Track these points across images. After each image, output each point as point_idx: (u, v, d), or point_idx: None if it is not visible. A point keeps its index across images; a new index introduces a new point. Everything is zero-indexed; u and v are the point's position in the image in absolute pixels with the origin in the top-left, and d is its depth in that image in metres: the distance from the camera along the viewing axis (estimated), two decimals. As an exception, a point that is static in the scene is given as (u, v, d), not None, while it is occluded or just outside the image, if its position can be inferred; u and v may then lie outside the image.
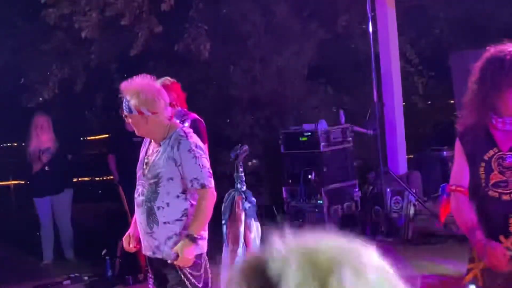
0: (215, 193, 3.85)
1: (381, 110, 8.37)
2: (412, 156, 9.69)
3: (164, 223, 3.80)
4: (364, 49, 8.83)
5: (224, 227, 3.77)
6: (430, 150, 9.71)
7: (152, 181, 3.88)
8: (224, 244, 3.83)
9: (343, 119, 8.55)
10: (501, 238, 3.21)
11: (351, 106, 9.71)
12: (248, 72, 9.49)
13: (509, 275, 3.20)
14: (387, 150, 8.87)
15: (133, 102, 3.86)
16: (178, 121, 4.90)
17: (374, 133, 8.14)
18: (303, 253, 0.85)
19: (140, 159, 4.16)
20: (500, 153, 3.25)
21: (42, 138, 7.86)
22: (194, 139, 3.88)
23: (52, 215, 8.03)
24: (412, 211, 7.84)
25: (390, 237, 7.62)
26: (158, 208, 3.85)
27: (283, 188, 8.40)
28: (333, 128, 8.39)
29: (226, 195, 3.82)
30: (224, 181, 8.38)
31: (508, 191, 3.23)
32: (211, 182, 3.84)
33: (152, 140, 4.02)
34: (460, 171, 3.39)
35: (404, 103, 9.36)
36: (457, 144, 3.43)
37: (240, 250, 3.56)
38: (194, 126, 5.10)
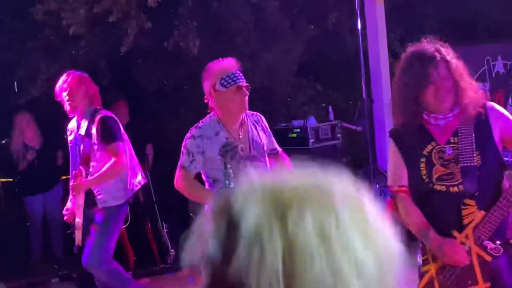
0: None
1: (370, 107, 8.38)
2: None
3: None
4: (353, 46, 8.84)
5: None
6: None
7: (255, 158, 4.05)
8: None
9: (332, 116, 8.56)
10: (455, 233, 3.22)
11: (340, 103, 9.73)
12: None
13: (464, 269, 3.21)
14: (376, 146, 8.88)
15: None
16: (88, 119, 5.01)
17: (363, 129, 8.15)
18: (265, 190, 0.86)
19: (221, 145, 4.16)
20: (438, 146, 3.28)
21: (26, 136, 7.84)
22: None
23: (42, 213, 8.01)
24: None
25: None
26: None
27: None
28: (322, 124, 8.39)
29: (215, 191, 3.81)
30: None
31: (456, 183, 3.24)
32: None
33: (224, 123, 4.11)
34: (397, 170, 3.40)
35: (393, 100, 9.37)
36: (391, 144, 3.44)
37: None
38: (104, 123, 5.09)
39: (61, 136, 6.40)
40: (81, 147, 5.12)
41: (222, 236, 0.87)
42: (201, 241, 0.91)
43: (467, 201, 3.22)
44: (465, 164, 3.21)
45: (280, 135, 8.66)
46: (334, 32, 9.95)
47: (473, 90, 3.32)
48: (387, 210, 3.37)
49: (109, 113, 5.30)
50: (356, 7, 7.94)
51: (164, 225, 7.52)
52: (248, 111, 4.23)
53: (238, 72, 4.07)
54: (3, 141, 8.95)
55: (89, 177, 5.04)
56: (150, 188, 7.75)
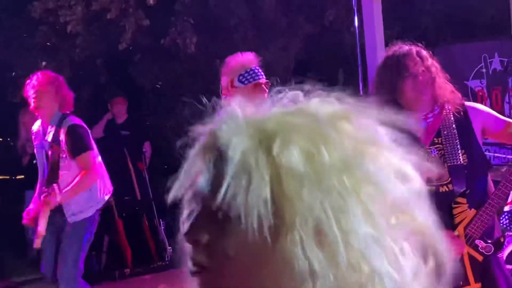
0: None
1: (367, 104, 8.39)
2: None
3: None
4: (350, 43, 8.84)
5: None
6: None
7: None
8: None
9: (329, 113, 8.57)
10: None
11: (338, 100, 9.72)
12: (235, 66, 9.48)
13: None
14: (373, 143, 8.90)
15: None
16: (55, 124, 4.86)
17: (360, 127, 8.16)
18: (251, 123, 0.87)
19: None
20: (423, 149, 3.23)
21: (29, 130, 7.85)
22: None
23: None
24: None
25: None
26: None
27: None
28: (320, 122, 8.40)
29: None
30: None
31: (445, 182, 3.22)
32: None
33: None
34: None
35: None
36: None
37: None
38: (73, 131, 4.91)
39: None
40: (49, 153, 4.92)
41: (211, 170, 0.88)
42: (189, 177, 0.92)
43: (459, 199, 3.21)
44: (452, 163, 3.20)
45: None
46: (331, 29, 9.95)
47: (450, 90, 3.30)
48: None
49: (79, 121, 5.06)
50: (353, 4, 7.93)
51: (161, 222, 7.53)
52: None
53: (257, 68, 3.93)
54: (1, 139, 8.94)
55: (58, 186, 4.82)
56: (147, 185, 7.75)
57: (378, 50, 8.96)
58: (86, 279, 7.17)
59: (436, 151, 3.24)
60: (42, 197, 4.77)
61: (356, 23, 8.08)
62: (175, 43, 8.74)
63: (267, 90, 3.96)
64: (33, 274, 7.37)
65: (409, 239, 0.87)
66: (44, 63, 8.80)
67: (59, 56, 9.07)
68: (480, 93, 8.69)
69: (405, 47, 3.36)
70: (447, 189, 3.21)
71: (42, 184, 5.00)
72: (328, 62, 10.12)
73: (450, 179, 3.20)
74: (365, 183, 0.84)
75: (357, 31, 8.08)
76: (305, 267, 0.81)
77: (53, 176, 4.88)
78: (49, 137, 4.94)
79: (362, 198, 0.83)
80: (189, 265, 0.93)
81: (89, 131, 5.09)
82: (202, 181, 0.89)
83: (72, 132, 4.89)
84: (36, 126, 5.11)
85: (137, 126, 8.38)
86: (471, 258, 3.17)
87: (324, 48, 9.96)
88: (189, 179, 0.93)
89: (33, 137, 5.16)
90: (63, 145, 4.89)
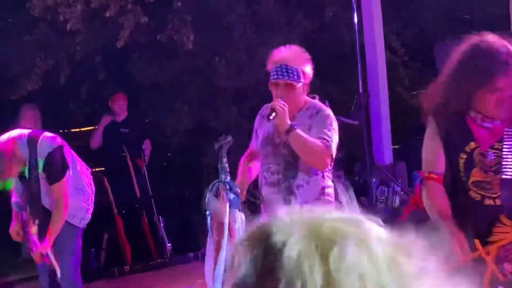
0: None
1: (366, 101, 8.37)
2: (397, 146, 9.72)
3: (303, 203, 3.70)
4: (350, 39, 8.83)
5: (209, 218, 3.76)
6: (415, 141, 9.72)
7: (290, 157, 3.83)
8: (208, 235, 3.82)
9: (328, 110, 8.55)
10: (477, 243, 2.94)
11: (337, 97, 9.72)
12: (233, 63, 9.47)
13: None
14: (373, 140, 8.88)
15: (301, 69, 3.86)
16: (26, 148, 4.62)
17: (359, 123, 8.15)
18: (307, 224, 0.87)
19: (263, 136, 4.02)
20: (479, 149, 2.99)
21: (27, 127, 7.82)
22: (332, 114, 3.94)
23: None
24: (397, 201, 7.87)
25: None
26: (298, 187, 3.81)
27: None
28: (319, 118, 8.39)
29: (210, 186, 3.80)
30: (209, 172, 8.38)
31: (493, 195, 2.96)
32: (332, 149, 3.82)
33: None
34: (434, 155, 3.10)
35: (389, 94, 9.38)
36: (432, 123, 3.14)
37: (224, 241, 3.56)
38: (50, 159, 4.70)
39: (56, 129, 6.41)
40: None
41: (259, 261, 0.87)
42: (233, 267, 0.91)
43: (503, 219, 2.94)
44: (507, 176, 2.90)
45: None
46: (330, 26, 9.94)
47: None
48: (416, 196, 3.17)
49: (52, 140, 4.81)
50: (352, 1, 7.93)
51: (160, 219, 7.52)
52: (312, 105, 3.98)
53: (285, 65, 3.82)
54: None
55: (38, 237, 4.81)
56: (147, 182, 7.75)
57: (377, 47, 8.96)
58: (85, 276, 7.16)
59: (494, 156, 2.96)
60: (33, 252, 4.78)
61: (355, 20, 8.07)
62: (172, 39, 8.73)
63: (284, 91, 3.86)
64: (28, 273, 7.33)
65: None
66: (39, 60, 8.78)
67: (57, 53, 9.06)
68: (480, 90, 8.69)
69: (502, 51, 2.97)
70: (493, 203, 2.95)
71: (22, 204, 4.94)
72: (327, 59, 10.11)
73: (499, 193, 2.93)
74: None
75: (356, 28, 8.07)
76: None
77: (34, 201, 4.83)
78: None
79: None
80: None
81: (63, 146, 4.83)
82: (245, 275, 0.87)
83: (50, 161, 4.71)
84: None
85: (137, 124, 8.37)
86: (492, 277, 2.91)
87: (323, 45, 9.94)
88: (232, 266, 0.91)
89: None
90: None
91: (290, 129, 3.75)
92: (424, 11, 10.55)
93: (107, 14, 8.28)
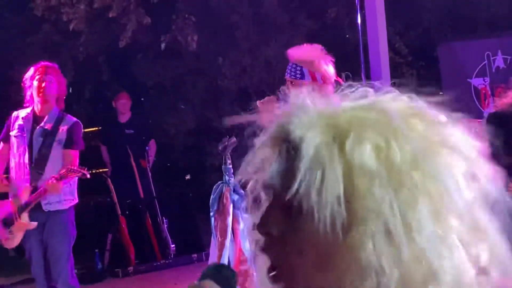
0: None
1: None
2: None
3: None
4: (353, 40, 8.83)
5: (212, 219, 3.77)
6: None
7: None
8: (212, 236, 3.83)
9: (332, 111, 8.55)
10: None
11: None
12: (236, 63, 9.48)
13: None
14: (376, 141, 8.89)
15: (309, 68, 3.83)
16: (53, 122, 4.85)
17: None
18: (323, 117, 0.89)
19: None
20: None
21: None
22: None
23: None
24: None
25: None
26: None
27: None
28: (322, 119, 8.39)
29: (215, 187, 3.81)
30: (213, 173, 8.38)
31: None
32: None
33: None
34: None
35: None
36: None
37: (227, 241, 3.56)
38: (74, 129, 4.95)
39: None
40: (39, 140, 4.95)
41: (283, 161, 0.90)
42: (256, 165, 0.94)
43: None
44: None
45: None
46: (333, 26, 9.94)
47: None
48: None
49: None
50: (356, 1, 7.93)
51: (164, 220, 7.53)
52: None
53: (292, 64, 3.87)
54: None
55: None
56: (150, 183, 7.75)
57: (380, 47, 8.95)
58: (90, 277, 7.18)
59: None
60: (50, 181, 4.72)
61: (359, 20, 8.07)
62: (175, 40, 8.74)
63: (290, 88, 3.88)
64: (17, 276, 7.27)
65: (473, 242, 0.87)
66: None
67: (61, 54, 9.07)
68: (483, 91, 8.68)
69: None
70: None
71: (21, 165, 4.95)
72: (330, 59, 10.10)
73: None
74: (434, 181, 0.86)
75: (359, 28, 8.07)
76: (373, 263, 0.84)
77: (42, 160, 4.88)
78: (46, 126, 4.93)
79: (431, 196, 0.85)
80: (262, 256, 0.93)
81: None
82: (273, 173, 0.90)
83: (76, 128, 4.97)
84: (24, 112, 5.06)
85: (141, 125, 8.38)
86: None
87: (326, 45, 9.93)
88: (256, 167, 0.94)
89: (13, 120, 5.08)
90: (62, 136, 4.91)
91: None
92: (427, 12, 10.54)
93: (110, 15, 8.29)
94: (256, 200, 0.94)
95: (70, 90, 9.28)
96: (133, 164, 7.63)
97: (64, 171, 4.74)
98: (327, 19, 9.74)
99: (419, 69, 10.74)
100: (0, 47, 8.80)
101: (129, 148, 7.77)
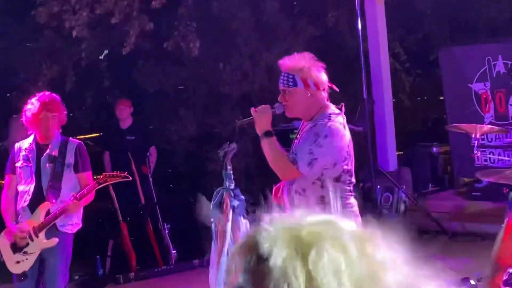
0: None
1: (371, 107, 8.39)
2: (402, 152, 9.72)
3: None
4: (354, 46, 8.84)
5: (213, 225, 3.78)
6: (419, 147, 9.75)
7: None
8: (213, 242, 3.84)
9: (333, 116, 8.54)
10: None
11: (341, 103, 9.72)
12: (238, 69, 9.50)
13: None
14: (377, 146, 8.89)
15: (300, 75, 3.86)
16: (57, 148, 5.01)
17: (364, 130, 8.16)
18: (287, 230, 1.01)
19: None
20: None
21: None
22: (336, 126, 3.85)
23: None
24: (402, 207, 7.87)
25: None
26: (296, 192, 3.85)
27: (274, 186, 8.40)
28: (323, 125, 8.39)
29: (215, 193, 3.82)
30: (214, 178, 8.38)
31: None
32: (301, 167, 3.81)
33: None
34: None
35: (393, 100, 9.39)
36: None
37: (226, 248, 3.57)
38: (80, 151, 5.10)
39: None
40: (47, 166, 5.08)
41: (252, 270, 1.01)
42: (229, 272, 1.06)
43: None
44: None
45: (281, 136, 8.67)
46: (334, 32, 9.96)
47: None
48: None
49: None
50: (356, 7, 7.95)
51: (165, 226, 7.54)
52: (322, 115, 3.93)
53: (284, 72, 3.92)
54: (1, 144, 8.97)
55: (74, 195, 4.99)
56: (152, 189, 7.76)
57: (381, 53, 8.97)
58: (91, 283, 7.19)
59: None
60: (70, 200, 4.88)
61: (359, 26, 8.09)
62: (178, 46, 8.76)
63: (286, 97, 3.91)
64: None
65: None
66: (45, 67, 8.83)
67: (63, 60, 9.10)
68: (484, 96, 8.69)
69: None
70: None
71: (28, 194, 5.04)
72: (331, 65, 10.11)
73: None
74: None
75: (360, 34, 8.09)
76: None
77: (56, 184, 5.01)
78: (52, 152, 5.07)
79: None
80: None
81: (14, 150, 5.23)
82: (243, 279, 1.02)
83: (81, 150, 5.14)
84: (27, 143, 5.16)
85: (142, 131, 8.39)
86: None
87: (327, 51, 9.96)
88: (229, 275, 1.06)
89: (16, 152, 5.16)
90: (70, 160, 5.06)
91: (262, 135, 3.83)
92: (427, 17, 10.56)
93: (112, 21, 8.32)
94: None
95: (72, 97, 9.32)
96: (135, 170, 7.64)
97: (103, 177, 5.08)
98: (328, 25, 9.76)
99: (419, 75, 10.76)
100: (2, 53, 8.83)
101: (131, 154, 7.78)
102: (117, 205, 7.45)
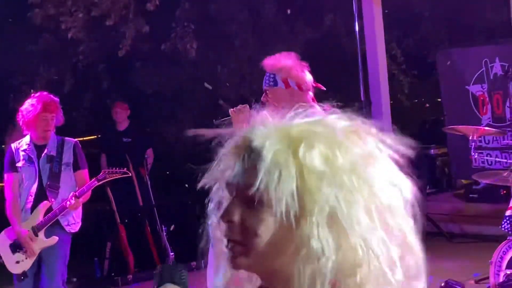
0: None
1: (368, 109, 8.40)
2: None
3: None
4: (351, 48, 8.85)
5: (211, 227, 3.78)
6: (417, 149, 9.74)
7: None
8: (210, 244, 3.84)
9: (330, 118, 8.56)
10: None
11: (339, 105, 9.73)
12: (235, 71, 9.50)
13: None
14: (375, 148, 8.89)
15: (281, 75, 3.85)
16: (55, 148, 5.05)
17: (361, 131, 8.16)
18: (279, 128, 1.09)
19: None
20: None
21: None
22: None
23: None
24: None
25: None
26: None
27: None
28: (321, 127, 8.40)
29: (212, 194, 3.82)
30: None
31: None
32: None
33: None
34: None
35: (391, 102, 9.40)
36: None
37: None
38: (77, 149, 5.13)
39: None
40: (46, 166, 5.11)
41: (245, 164, 1.08)
42: (220, 170, 1.13)
43: None
44: None
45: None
46: (332, 35, 9.97)
47: None
48: None
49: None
50: (354, 9, 7.96)
51: (163, 228, 7.53)
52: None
53: (267, 73, 3.94)
54: (2, 146, 8.96)
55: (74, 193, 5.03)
56: (149, 191, 7.76)
57: (379, 55, 8.97)
58: (89, 285, 7.18)
59: None
60: (72, 198, 4.91)
61: (357, 28, 8.10)
62: (175, 48, 8.76)
63: (269, 97, 3.92)
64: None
65: (393, 235, 1.07)
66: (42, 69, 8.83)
67: (60, 62, 9.10)
68: (481, 98, 8.70)
69: None
70: None
71: (30, 193, 5.07)
72: (329, 67, 10.13)
73: None
74: (368, 184, 1.06)
75: (357, 36, 8.10)
76: (317, 249, 1.03)
77: (54, 184, 5.04)
78: (50, 153, 5.09)
79: (364, 196, 1.05)
80: (224, 241, 1.11)
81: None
82: (235, 173, 1.09)
83: (78, 148, 5.17)
84: (24, 144, 5.16)
85: (139, 133, 8.39)
86: None
87: (324, 53, 9.97)
88: (220, 172, 1.13)
89: (15, 151, 5.17)
90: (68, 159, 5.09)
91: None
92: (424, 20, 10.57)
93: (108, 23, 8.31)
94: (219, 203, 1.13)
95: (69, 99, 9.32)
96: (132, 172, 7.64)
97: (102, 174, 5.12)
98: (325, 27, 9.77)
99: (416, 76, 10.77)
100: (0, 56, 8.83)
101: (128, 156, 7.77)
102: (115, 207, 7.44)
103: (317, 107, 3.94)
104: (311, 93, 3.98)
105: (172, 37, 8.74)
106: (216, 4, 9.30)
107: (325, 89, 4.09)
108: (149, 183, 7.75)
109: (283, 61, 3.91)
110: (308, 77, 3.96)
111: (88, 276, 7.26)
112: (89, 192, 5.05)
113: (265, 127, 1.10)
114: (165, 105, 10.02)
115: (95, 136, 8.85)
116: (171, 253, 7.44)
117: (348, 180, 1.04)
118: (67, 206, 4.88)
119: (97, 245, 7.46)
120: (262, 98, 4.00)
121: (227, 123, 4.00)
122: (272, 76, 3.90)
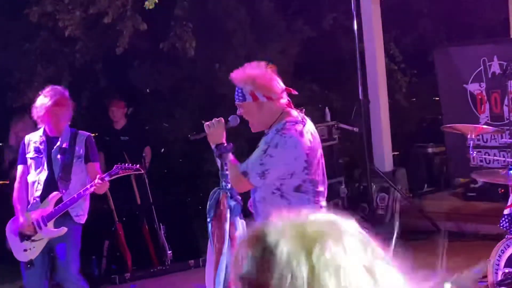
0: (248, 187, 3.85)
1: (366, 107, 8.40)
2: (397, 153, 9.73)
3: None
4: (350, 46, 8.85)
5: (209, 225, 3.77)
6: (415, 147, 9.76)
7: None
8: (209, 242, 3.84)
9: (328, 117, 8.56)
10: None
11: (337, 104, 9.73)
12: (233, 69, 9.48)
13: None
14: (373, 147, 8.90)
15: (248, 88, 3.81)
16: (68, 140, 5.21)
17: (359, 130, 8.17)
18: (294, 226, 1.11)
19: None
20: None
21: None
22: (289, 135, 3.75)
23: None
24: (398, 208, 7.88)
25: (377, 234, 7.65)
26: (258, 201, 3.83)
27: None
28: (319, 125, 8.40)
29: (211, 193, 3.81)
30: (210, 179, 8.38)
31: None
32: (252, 178, 3.77)
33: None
34: None
35: (389, 100, 9.40)
36: None
37: (225, 248, 3.57)
38: (89, 142, 5.32)
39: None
40: (58, 158, 5.26)
41: (258, 259, 1.10)
42: (236, 261, 1.15)
43: None
44: None
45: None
46: (330, 33, 9.97)
47: None
48: None
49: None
50: (352, 8, 7.96)
51: (161, 226, 7.53)
52: (280, 124, 3.85)
53: (236, 88, 3.95)
54: (1, 143, 8.94)
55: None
56: (147, 189, 7.75)
57: (377, 54, 8.98)
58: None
59: None
60: (98, 181, 5.09)
61: (355, 27, 8.10)
62: (174, 47, 8.74)
63: (242, 111, 3.90)
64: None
65: None
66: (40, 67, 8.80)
67: (58, 61, 9.07)
68: (480, 96, 8.70)
69: None
70: None
71: (39, 184, 5.21)
72: (327, 65, 10.13)
73: None
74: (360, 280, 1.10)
75: (356, 35, 8.10)
76: None
77: (66, 176, 5.19)
78: (63, 145, 5.24)
79: None
80: None
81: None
82: (250, 268, 1.12)
83: (91, 141, 5.37)
84: (37, 136, 5.30)
85: (137, 131, 8.38)
86: None
87: (323, 51, 9.97)
88: (236, 264, 1.15)
89: (27, 144, 5.31)
90: (80, 152, 5.25)
91: (214, 148, 3.87)
92: (422, 18, 10.57)
93: (106, 21, 8.28)
94: None
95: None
96: (130, 170, 7.62)
97: (115, 169, 5.29)
98: (324, 25, 9.77)
99: (414, 75, 10.77)
100: (-3, 54, 8.81)
101: (126, 154, 7.76)
102: (113, 206, 7.44)
103: (293, 113, 3.90)
104: (284, 100, 3.90)
105: (170, 36, 8.72)
106: (214, 2, 9.29)
107: (297, 93, 4.05)
108: (147, 181, 7.75)
109: (248, 72, 3.86)
110: (277, 85, 3.87)
111: (86, 274, 7.23)
112: (107, 184, 5.22)
113: (280, 222, 1.13)
114: (163, 103, 10.01)
115: (93, 135, 8.82)
116: (169, 251, 7.44)
117: (354, 277, 1.08)
118: (95, 185, 5.05)
119: (95, 243, 7.45)
120: (237, 112, 3.99)
121: (203, 138, 4.03)
122: (239, 90, 3.90)
